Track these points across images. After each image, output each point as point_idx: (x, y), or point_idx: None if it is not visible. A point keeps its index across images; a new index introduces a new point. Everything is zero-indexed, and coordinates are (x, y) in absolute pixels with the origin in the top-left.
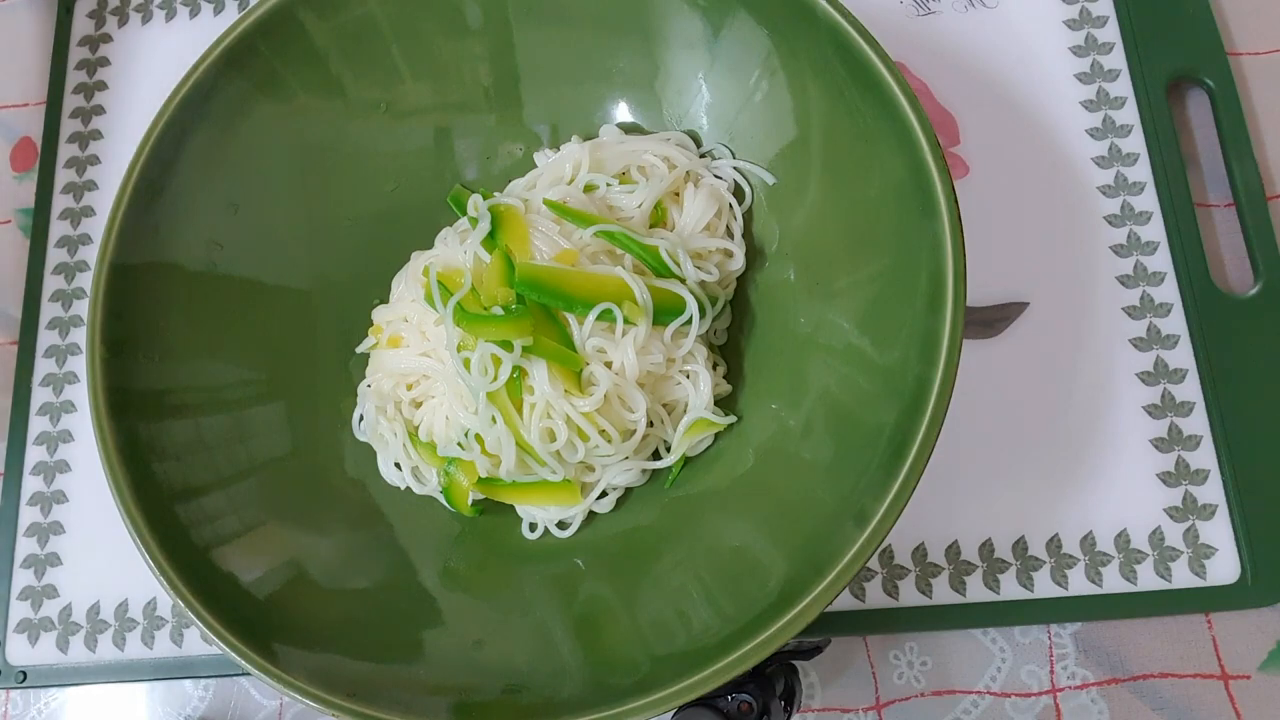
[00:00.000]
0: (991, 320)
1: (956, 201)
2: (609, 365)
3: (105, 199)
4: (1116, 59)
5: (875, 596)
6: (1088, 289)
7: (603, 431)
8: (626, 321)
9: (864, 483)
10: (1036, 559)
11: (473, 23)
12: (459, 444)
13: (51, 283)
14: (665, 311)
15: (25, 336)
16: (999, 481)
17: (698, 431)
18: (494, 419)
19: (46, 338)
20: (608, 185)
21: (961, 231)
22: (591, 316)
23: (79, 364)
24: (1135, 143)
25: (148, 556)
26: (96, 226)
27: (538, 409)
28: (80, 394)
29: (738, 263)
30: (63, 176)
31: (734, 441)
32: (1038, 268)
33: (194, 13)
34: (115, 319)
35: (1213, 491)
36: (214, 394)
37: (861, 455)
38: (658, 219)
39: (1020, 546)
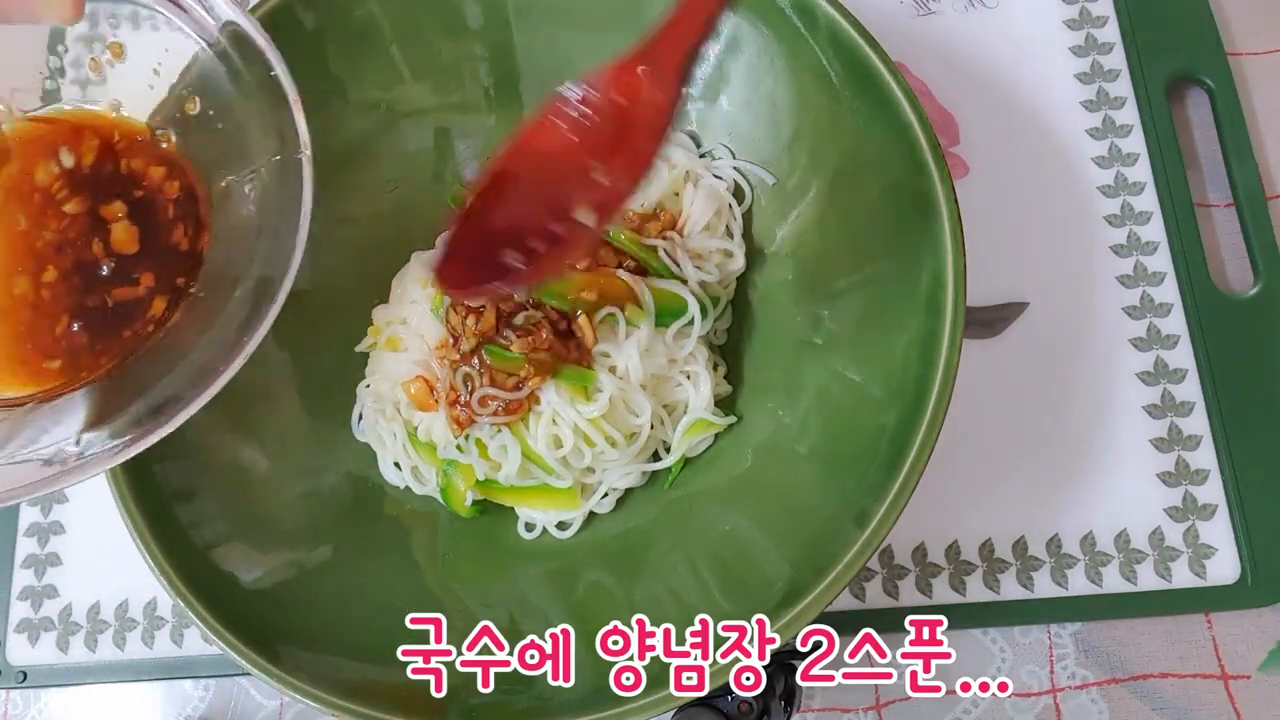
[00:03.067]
0: (991, 320)
1: (956, 201)
2: (613, 370)
3: None
4: (1116, 59)
5: (875, 596)
6: (1088, 289)
7: (608, 437)
8: (629, 323)
9: (864, 483)
10: (1036, 559)
11: (473, 23)
12: (458, 447)
13: None
14: (667, 313)
15: None
16: (999, 481)
17: (697, 432)
18: (499, 428)
19: None
20: None
21: (961, 231)
22: (595, 322)
23: None
24: (1135, 143)
25: (148, 556)
26: None
27: (544, 417)
28: None
29: (738, 263)
30: None
31: (733, 442)
32: (1038, 268)
33: None
34: None
35: (1213, 491)
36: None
37: (861, 455)
38: (658, 219)
39: (1020, 546)
